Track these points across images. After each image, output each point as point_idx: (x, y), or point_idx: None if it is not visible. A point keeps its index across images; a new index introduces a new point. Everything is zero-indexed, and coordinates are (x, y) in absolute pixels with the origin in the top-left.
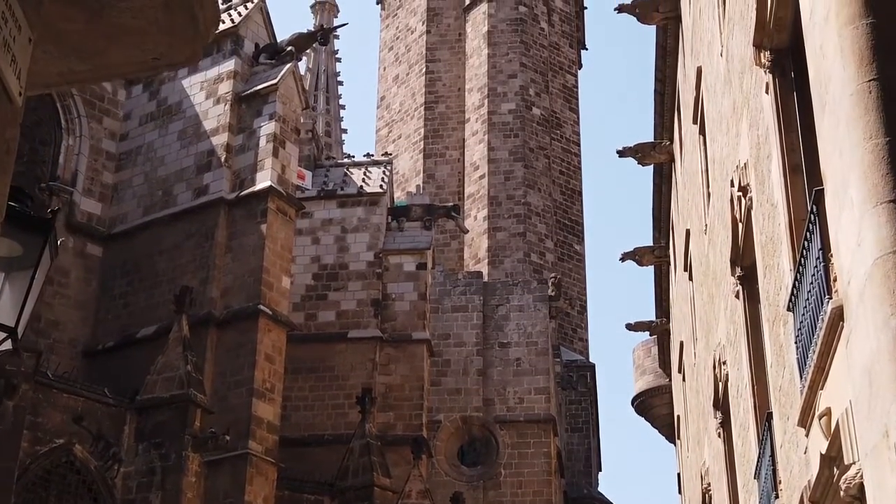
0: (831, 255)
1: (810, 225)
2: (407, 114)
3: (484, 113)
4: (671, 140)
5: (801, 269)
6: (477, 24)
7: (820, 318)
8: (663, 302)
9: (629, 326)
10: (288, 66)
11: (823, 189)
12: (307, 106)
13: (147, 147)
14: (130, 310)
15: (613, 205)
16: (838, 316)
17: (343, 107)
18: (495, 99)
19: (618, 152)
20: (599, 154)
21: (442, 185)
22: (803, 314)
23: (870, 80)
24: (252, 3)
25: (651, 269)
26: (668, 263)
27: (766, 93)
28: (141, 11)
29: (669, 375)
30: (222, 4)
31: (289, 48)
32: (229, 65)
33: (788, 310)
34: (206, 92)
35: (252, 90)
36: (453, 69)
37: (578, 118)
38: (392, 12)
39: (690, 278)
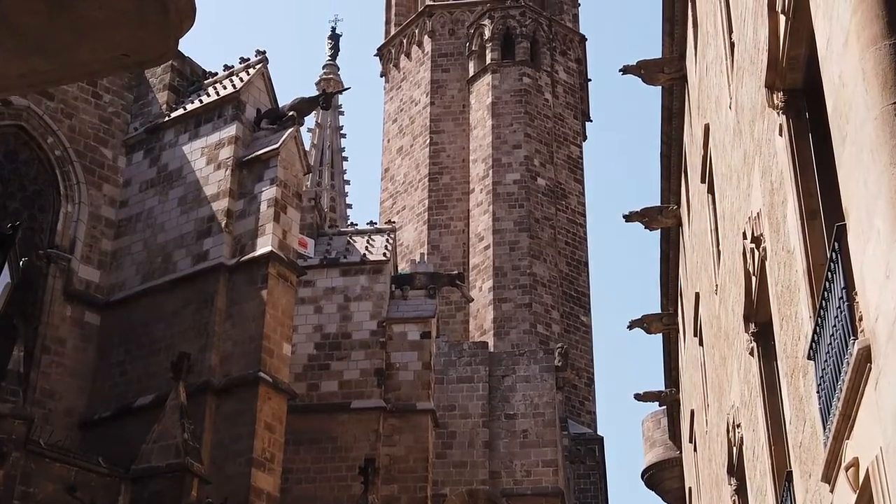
0: (856, 294)
1: (832, 264)
2: (411, 185)
3: (489, 183)
4: (678, 204)
5: (822, 314)
6: (481, 96)
7: (845, 361)
8: (672, 371)
9: (638, 397)
10: (290, 130)
11: (845, 224)
12: (309, 171)
13: (147, 213)
14: (128, 378)
15: (620, 275)
16: (865, 357)
17: (348, 182)
18: (500, 169)
19: (624, 217)
20: (605, 224)
21: (446, 256)
22: (826, 360)
23: (895, 103)
24: (254, 68)
25: (659, 338)
26: (677, 331)
27: (780, 135)
28: (108, 2)
29: (680, 447)
30: (223, 71)
31: (290, 113)
32: (230, 130)
33: (809, 358)
34: (207, 157)
35: (253, 155)
36: (457, 140)
37: (583, 189)
38: (396, 85)
39: (701, 343)
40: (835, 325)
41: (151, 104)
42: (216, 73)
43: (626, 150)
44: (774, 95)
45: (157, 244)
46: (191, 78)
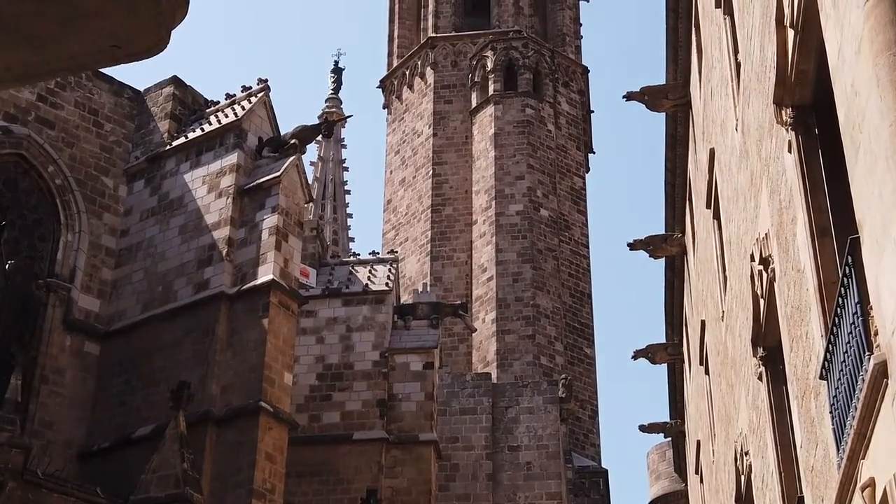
0: (870, 308)
1: (845, 279)
2: (414, 216)
3: (491, 214)
4: (683, 232)
5: (834, 331)
6: (484, 127)
7: (860, 378)
8: (677, 402)
9: (643, 428)
10: (291, 158)
11: (859, 237)
12: (310, 199)
13: (147, 242)
14: (127, 409)
15: (624, 306)
16: (881, 372)
17: (350, 215)
18: (503, 200)
19: (629, 245)
20: (608, 256)
21: (449, 288)
22: (839, 379)
23: None
24: (255, 97)
25: (664, 368)
26: (682, 361)
27: (790, 152)
28: None
29: (686, 480)
30: (226, 100)
31: (292, 141)
32: (232, 158)
33: (821, 378)
34: (209, 186)
35: (254, 183)
36: (460, 171)
37: (587, 220)
38: (398, 116)
39: (707, 372)
40: (848, 342)
41: (153, 133)
42: (218, 102)
43: (628, 183)
44: (783, 112)
45: (158, 273)
46: (192, 107)
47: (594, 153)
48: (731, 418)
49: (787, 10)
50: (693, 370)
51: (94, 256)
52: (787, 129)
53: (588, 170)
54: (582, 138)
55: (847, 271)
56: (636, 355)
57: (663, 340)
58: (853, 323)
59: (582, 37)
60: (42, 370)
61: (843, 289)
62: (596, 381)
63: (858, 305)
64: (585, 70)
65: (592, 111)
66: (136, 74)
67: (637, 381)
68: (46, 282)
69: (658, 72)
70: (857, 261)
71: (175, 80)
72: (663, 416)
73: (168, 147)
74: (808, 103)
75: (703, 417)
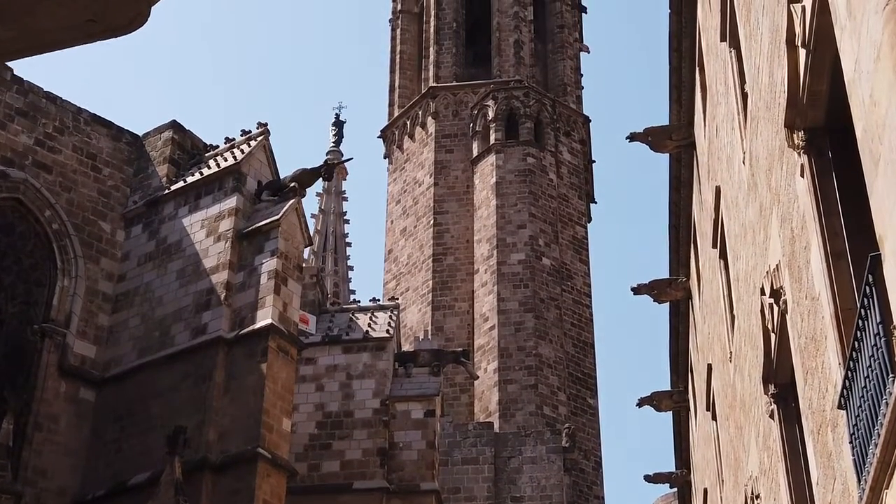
0: (894, 328)
1: (865, 299)
2: (415, 266)
3: (493, 263)
4: (687, 276)
5: (854, 356)
6: (485, 176)
7: (883, 402)
8: (683, 451)
9: (648, 478)
10: (291, 202)
11: (880, 255)
12: (310, 243)
13: (145, 287)
14: (123, 456)
15: (627, 354)
16: None
17: (351, 268)
18: (504, 249)
19: (632, 289)
20: (611, 304)
21: (451, 338)
22: (860, 406)
23: None
24: (255, 140)
25: (669, 417)
26: (687, 408)
27: (802, 176)
28: None
29: None
30: (224, 143)
31: (292, 184)
32: (231, 202)
33: (840, 408)
34: (207, 230)
35: (253, 227)
36: (461, 221)
37: (589, 270)
38: (399, 166)
39: (714, 417)
40: (870, 366)
41: (151, 177)
42: (217, 146)
43: (630, 232)
44: (795, 135)
45: (155, 318)
46: (191, 151)
47: (596, 203)
48: (740, 462)
49: (798, 30)
50: (699, 416)
51: (91, 302)
52: (799, 153)
53: (590, 219)
54: (583, 188)
55: (868, 291)
56: (641, 403)
57: (668, 388)
58: (875, 345)
59: (583, 87)
60: (36, 417)
61: (863, 310)
62: (599, 431)
63: (880, 326)
64: (587, 120)
65: (594, 161)
66: (135, 119)
67: (641, 430)
68: (42, 327)
69: (658, 122)
70: (879, 279)
71: (174, 125)
72: (668, 466)
73: (166, 191)
74: (821, 125)
75: (709, 464)
